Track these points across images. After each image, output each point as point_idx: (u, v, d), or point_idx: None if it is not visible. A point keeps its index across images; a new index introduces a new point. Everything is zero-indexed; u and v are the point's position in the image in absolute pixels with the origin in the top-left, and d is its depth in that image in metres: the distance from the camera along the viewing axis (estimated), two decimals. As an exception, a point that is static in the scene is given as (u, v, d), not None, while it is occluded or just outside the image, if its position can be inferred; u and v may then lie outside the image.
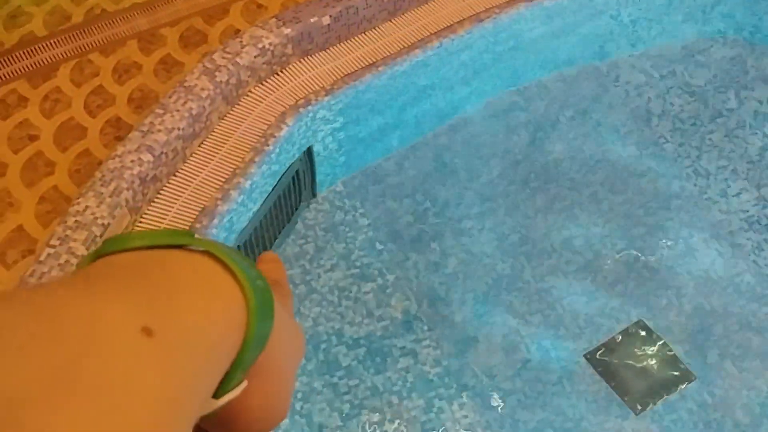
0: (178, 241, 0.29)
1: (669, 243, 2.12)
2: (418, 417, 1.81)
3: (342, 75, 1.96)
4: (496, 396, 1.84)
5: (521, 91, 2.48)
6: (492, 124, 2.40)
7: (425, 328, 1.95)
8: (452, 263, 2.08)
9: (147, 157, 1.59)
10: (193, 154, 1.75)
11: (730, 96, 2.48)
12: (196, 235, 0.30)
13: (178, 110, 1.68)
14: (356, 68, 1.98)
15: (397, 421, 1.80)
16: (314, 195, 2.20)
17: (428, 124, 2.33)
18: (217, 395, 0.28)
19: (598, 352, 1.91)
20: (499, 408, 1.82)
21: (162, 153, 1.62)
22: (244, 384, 0.29)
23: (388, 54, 2.01)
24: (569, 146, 2.35)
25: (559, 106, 2.45)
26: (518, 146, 2.35)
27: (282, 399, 0.33)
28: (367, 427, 1.79)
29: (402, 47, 2.03)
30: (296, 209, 2.12)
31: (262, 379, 0.30)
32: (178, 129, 1.65)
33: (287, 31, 1.89)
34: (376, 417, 1.80)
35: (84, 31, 2.01)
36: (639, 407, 1.81)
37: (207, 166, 1.73)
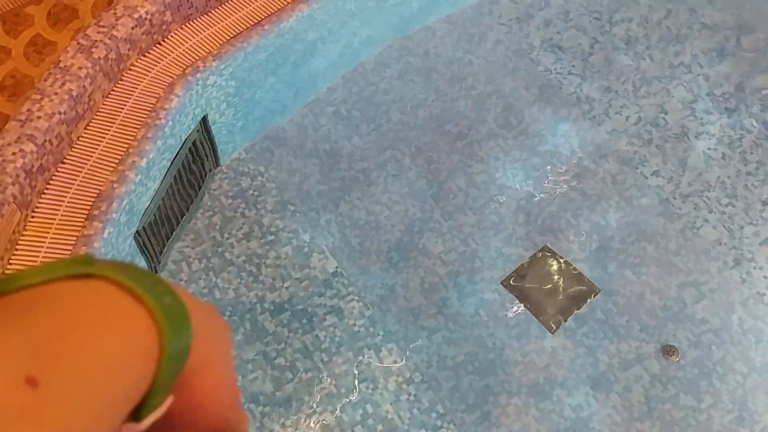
0: (75, 271, 0.27)
1: (564, 168, 2.23)
2: (350, 370, 1.85)
3: (228, 38, 1.90)
4: (421, 337, 1.91)
5: (410, 37, 2.49)
6: (385, 73, 2.40)
7: (346, 282, 1.98)
8: (363, 215, 2.11)
9: (29, 147, 1.49)
10: (80, 138, 1.66)
11: (603, 21, 2.59)
12: (97, 259, 0.28)
13: (56, 93, 1.58)
14: (242, 29, 1.92)
15: (330, 377, 1.84)
16: (218, 164, 2.14)
17: (323, 79, 2.31)
18: (140, 417, 0.27)
19: (511, 279, 2.00)
20: (425, 348, 1.89)
21: (45, 141, 1.53)
22: (170, 400, 0.29)
23: (273, 11, 1.96)
24: (461, 86, 2.40)
25: (449, 47, 2.48)
26: (413, 91, 2.37)
27: (226, 384, 0.32)
28: (300, 387, 1.82)
29: (286, 3, 1.99)
30: (203, 181, 2.07)
31: (200, 378, 0.30)
32: (60, 113, 1.56)
33: (162, -3, 1.80)
34: (308, 375, 1.83)
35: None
36: (554, 326, 1.93)
37: (97, 149, 1.65)
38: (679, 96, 2.40)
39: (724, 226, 2.13)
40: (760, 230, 2.13)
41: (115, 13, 1.75)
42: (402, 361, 1.87)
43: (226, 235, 2.04)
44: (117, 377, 0.26)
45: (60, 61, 1.64)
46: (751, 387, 1.87)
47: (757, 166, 2.26)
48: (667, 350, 1.91)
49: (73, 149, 1.64)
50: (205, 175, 2.09)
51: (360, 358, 1.87)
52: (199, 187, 2.07)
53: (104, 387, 0.25)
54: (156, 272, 1.91)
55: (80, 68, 1.63)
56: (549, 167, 2.23)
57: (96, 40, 1.69)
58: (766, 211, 2.17)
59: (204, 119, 1.93)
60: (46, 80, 1.60)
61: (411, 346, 1.89)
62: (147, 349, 0.27)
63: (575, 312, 1.96)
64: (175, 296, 0.28)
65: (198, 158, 2.00)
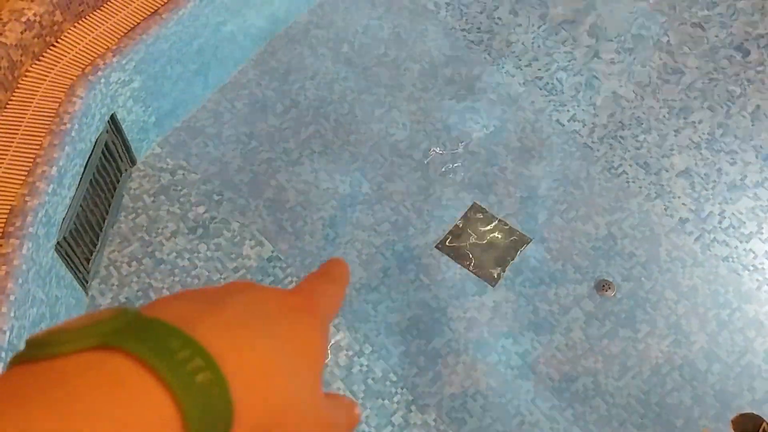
0: (102, 341, 0.24)
1: (484, 123, 2.26)
2: (299, 350, 1.85)
3: (125, 31, 1.82)
4: (366, 309, 1.92)
5: (315, 11, 2.45)
6: (295, 49, 2.36)
7: (283, 265, 1.97)
8: (292, 195, 2.09)
9: (-75, 170, 1.41)
10: (-19, 154, 1.57)
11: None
12: (138, 319, 0.25)
13: (-54, 110, 1.49)
14: (138, 21, 1.84)
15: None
16: (133, 163, 2.07)
17: (231, 62, 2.26)
18: None
19: (446, 241, 2.04)
20: (371, 319, 1.91)
21: (-58, 161, 1.44)
22: None
23: (170, -2, 1.89)
24: (374, 55, 2.38)
25: (355, 17, 2.46)
26: (326, 65, 2.34)
27: None
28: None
29: (182, -12, 1.92)
30: (118, 183, 2.00)
31: None
32: (-47, 131, 1.47)
33: (49, -5, 1.71)
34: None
35: None
36: (492, 280, 1.98)
37: (2, 163, 1.57)
38: (585, 41, 2.46)
39: (639, 163, 2.22)
40: (675, 162, 2.23)
41: (0, 19, 1.65)
42: (350, 334, 1.88)
43: (153, 234, 1.98)
44: None
45: (-55, 75, 1.55)
46: (683, 311, 1.97)
47: (666, 98, 2.35)
48: (602, 287, 1.99)
49: (-26, 167, 1.55)
50: (121, 176, 2.02)
51: (307, 338, 1.87)
52: (116, 190, 2.00)
53: None
54: (86, 283, 1.85)
55: (-31, 80, 1.54)
56: (469, 124, 2.26)
57: (-18, 49, 1.59)
58: (679, 140, 2.27)
59: (113, 118, 1.86)
60: (-68, 97, 1.51)
61: (357, 318, 1.91)
62: None
63: (510, 264, 2.01)
64: (215, 371, 0.25)
65: (112, 159, 1.93)
